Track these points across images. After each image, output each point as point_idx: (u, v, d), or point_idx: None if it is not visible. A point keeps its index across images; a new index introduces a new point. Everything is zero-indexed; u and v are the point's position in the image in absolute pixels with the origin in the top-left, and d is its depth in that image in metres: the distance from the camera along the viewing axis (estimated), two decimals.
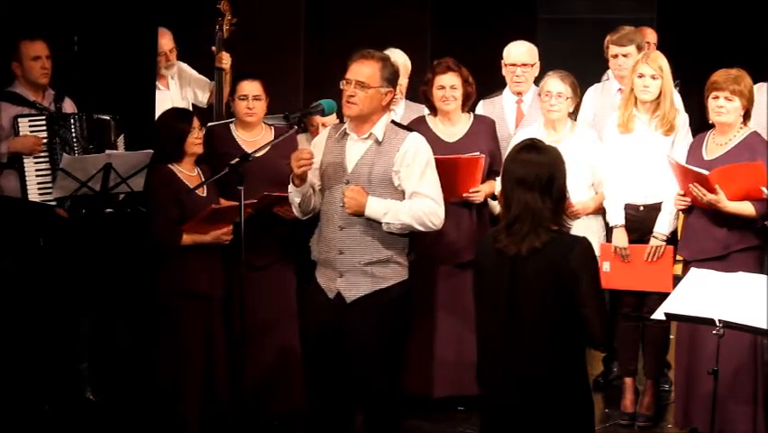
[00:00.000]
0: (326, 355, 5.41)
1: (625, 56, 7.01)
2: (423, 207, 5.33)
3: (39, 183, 6.49)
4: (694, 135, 6.40)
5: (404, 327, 5.46)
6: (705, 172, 5.90)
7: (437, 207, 5.37)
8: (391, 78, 5.36)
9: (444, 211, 5.44)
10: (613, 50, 7.09)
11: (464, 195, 6.52)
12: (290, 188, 5.50)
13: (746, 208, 5.93)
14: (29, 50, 6.59)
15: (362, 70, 5.31)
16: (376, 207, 5.30)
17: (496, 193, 6.61)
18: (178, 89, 7.43)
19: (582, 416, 4.56)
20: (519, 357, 4.47)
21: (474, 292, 4.67)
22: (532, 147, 4.52)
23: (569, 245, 4.43)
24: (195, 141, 6.08)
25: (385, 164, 5.34)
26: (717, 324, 5.17)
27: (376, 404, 5.42)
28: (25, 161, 6.49)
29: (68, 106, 6.75)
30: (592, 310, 4.40)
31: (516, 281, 4.45)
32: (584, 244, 4.46)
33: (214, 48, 7.27)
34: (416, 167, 5.34)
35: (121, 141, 6.71)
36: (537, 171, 4.42)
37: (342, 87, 5.38)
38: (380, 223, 5.32)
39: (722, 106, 6.04)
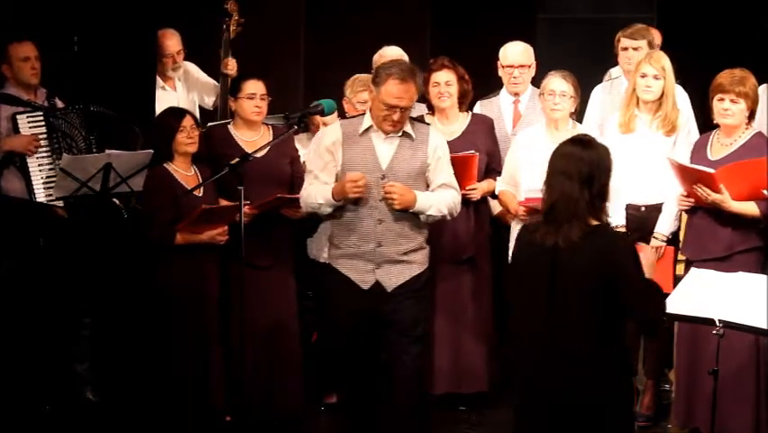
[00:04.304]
0: (362, 344, 5.64)
1: (635, 49, 7.00)
2: (454, 197, 5.73)
3: (44, 180, 6.49)
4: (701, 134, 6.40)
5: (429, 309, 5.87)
6: (710, 171, 5.89)
7: (459, 197, 5.79)
8: (420, 86, 5.68)
9: None
10: (624, 42, 7.06)
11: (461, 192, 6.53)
12: (324, 198, 5.62)
13: (751, 208, 5.92)
14: (17, 51, 6.61)
15: (407, 95, 5.54)
16: (424, 201, 5.63)
17: (496, 192, 6.61)
18: (184, 90, 7.44)
19: (624, 412, 4.59)
20: (561, 353, 4.50)
21: (509, 287, 4.69)
22: (579, 142, 4.63)
23: (610, 239, 4.51)
24: (185, 140, 6.07)
25: (421, 158, 5.64)
26: (717, 324, 5.17)
27: (412, 384, 5.65)
28: (28, 159, 6.49)
29: (60, 104, 6.75)
30: (642, 295, 4.50)
31: (557, 276, 4.50)
32: (625, 237, 4.67)
33: (221, 51, 7.27)
34: (445, 159, 5.71)
35: None
36: (579, 165, 4.52)
37: (385, 110, 5.54)
38: (417, 214, 5.61)
39: (728, 109, 6.02)
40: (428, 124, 5.84)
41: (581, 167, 4.51)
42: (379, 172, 5.58)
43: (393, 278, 5.63)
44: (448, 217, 5.75)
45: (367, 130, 5.64)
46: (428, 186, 5.71)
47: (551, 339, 4.51)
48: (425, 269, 5.73)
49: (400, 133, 5.61)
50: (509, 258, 4.79)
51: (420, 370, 5.76)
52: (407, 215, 5.61)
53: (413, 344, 5.65)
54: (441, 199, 5.65)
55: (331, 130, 5.78)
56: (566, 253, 4.48)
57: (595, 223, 4.52)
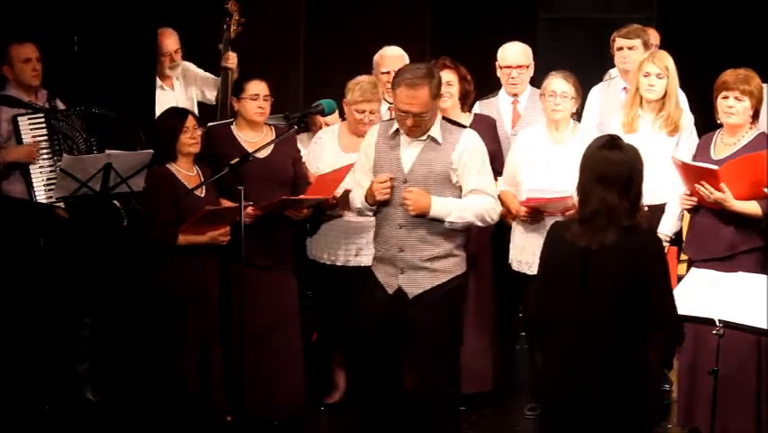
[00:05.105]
0: (386, 349, 5.54)
1: (630, 48, 7.02)
2: (483, 203, 5.51)
3: (45, 182, 6.49)
4: (699, 136, 6.40)
5: (461, 317, 5.66)
6: (714, 167, 5.89)
7: (495, 203, 5.58)
8: (438, 89, 5.49)
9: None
10: (619, 42, 7.09)
11: None
12: (361, 203, 5.62)
13: (753, 208, 5.91)
14: (19, 53, 6.59)
15: (415, 102, 5.40)
16: (440, 207, 5.45)
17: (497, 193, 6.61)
18: (182, 90, 7.44)
19: (645, 416, 4.60)
20: (588, 355, 4.51)
21: (539, 285, 4.69)
22: (613, 145, 4.58)
23: (643, 240, 4.51)
24: (188, 140, 6.06)
25: (443, 163, 5.47)
26: (717, 324, 5.17)
27: (438, 395, 5.51)
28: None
29: (61, 106, 6.74)
30: (669, 309, 4.51)
31: (588, 278, 4.50)
32: (658, 242, 4.62)
33: (220, 46, 7.28)
34: (473, 165, 5.50)
35: None
36: (618, 170, 4.49)
37: (396, 114, 5.48)
38: (442, 221, 5.45)
39: (732, 107, 6.02)
40: (464, 127, 5.66)
41: (620, 172, 4.48)
42: (402, 176, 5.50)
43: (415, 285, 5.49)
44: (479, 224, 5.55)
45: (396, 132, 5.57)
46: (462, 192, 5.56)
47: (579, 341, 4.51)
48: (452, 277, 5.52)
49: (425, 137, 5.49)
50: (539, 255, 4.77)
51: (441, 379, 5.54)
52: (430, 220, 5.46)
53: (432, 354, 5.50)
54: (466, 206, 5.47)
55: (370, 131, 5.75)
56: (598, 254, 4.48)
57: (628, 223, 4.52)
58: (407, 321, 5.49)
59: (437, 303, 5.48)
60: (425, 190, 5.45)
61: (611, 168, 4.50)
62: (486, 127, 6.72)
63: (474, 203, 5.50)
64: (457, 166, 5.49)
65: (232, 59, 7.27)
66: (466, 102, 6.75)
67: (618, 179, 4.49)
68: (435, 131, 5.51)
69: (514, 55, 7.08)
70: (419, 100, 5.39)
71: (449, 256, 5.52)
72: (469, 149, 5.51)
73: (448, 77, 6.64)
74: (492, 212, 5.56)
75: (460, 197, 5.55)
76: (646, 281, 4.46)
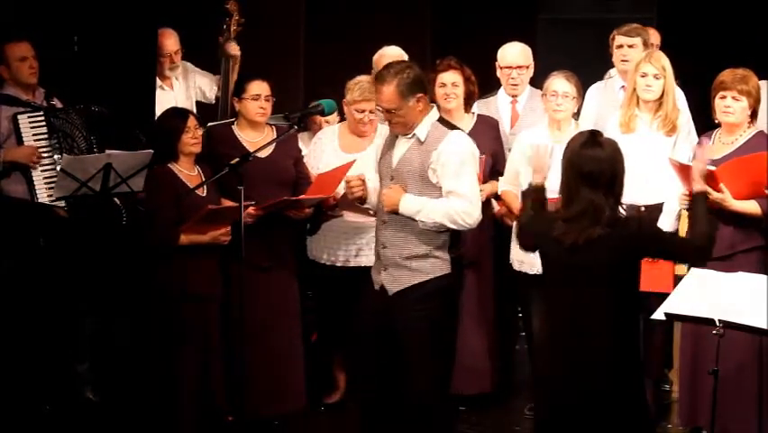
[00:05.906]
0: (377, 345, 5.53)
1: (630, 47, 7.02)
2: (456, 206, 5.39)
3: (45, 182, 6.49)
4: (698, 135, 6.40)
5: (446, 319, 5.53)
6: (711, 168, 5.89)
7: (470, 207, 5.43)
8: (412, 86, 5.37)
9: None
10: (619, 40, 7.08)
11: None
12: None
13: (752, 207, 5.91)
14: (15, 51, 6.60)
15: (381, 97, 5.41)
16: (409, 205, 5.40)
17: (498, 192, 6.61)
18: (182, 90, 7.44)
19: (640, 411, 4.63)
20: (581, 354, 4.56)
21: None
22: (594, 142, 4.63)
23: (628, 225, 4.60)
24: (190, 140, 6.07)
25: (422, 162, 5.42)
26: (717, 324, 5.17)
27: (416, 395, 5.47)
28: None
29: (59, 104, 6.75)
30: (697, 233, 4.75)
31: (577, 275, 4.55)
32: (639, 216, 4.78)
33: (221, 38, 7.27)
34: (450, 166, 5.40)
35: None
36: (601, 168, 4.55)
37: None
38: (413, 220, 5.42)
39: (729, 106, 6.03)
40: (456, 128, 5.54)
41: (603, 169, 4.54)
42: (389, 172, 5.50)
43: (394, 282, 5.46)
44: (451, 226, 5.38)
45: None
46: None
47: (578, 341, 4.51)
48: (431, 278, 5.43)
49: (411, 135, 5.46)
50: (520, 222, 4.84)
51: (418, 381, 5.44)
52: (409, 219, 5.41)
53: (410, 356, 5.43)
54: (436, 207, 5.38)
55: (381, 128, 5.75)
56: (584, 250, 4.53)
57: (611, 217, 4.57)
58: (389, 320, 5.48)
59: (415, 303, 5.42)
60: (404, 187, 5.42)
61: (595, 166, 4.54)
62: (488, 128, 6.73)
63: (446, 204, 5.39)
64: (435, 166, 5.40)
65: (235, 48, 7.26)
66: (469, 103, 6.75)
67: (602, 176, 4.55)
68: (421, 130, 5.44)
69: (513, 55, 7.08)
70: (384, 96, 5.38)
71: (428, 257, 5.44)
72: (448, 150, 5.39)
73: (453, 77, 6.64)
74: (466, 216, 5.40)
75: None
76: (648, 246, 4.58)
